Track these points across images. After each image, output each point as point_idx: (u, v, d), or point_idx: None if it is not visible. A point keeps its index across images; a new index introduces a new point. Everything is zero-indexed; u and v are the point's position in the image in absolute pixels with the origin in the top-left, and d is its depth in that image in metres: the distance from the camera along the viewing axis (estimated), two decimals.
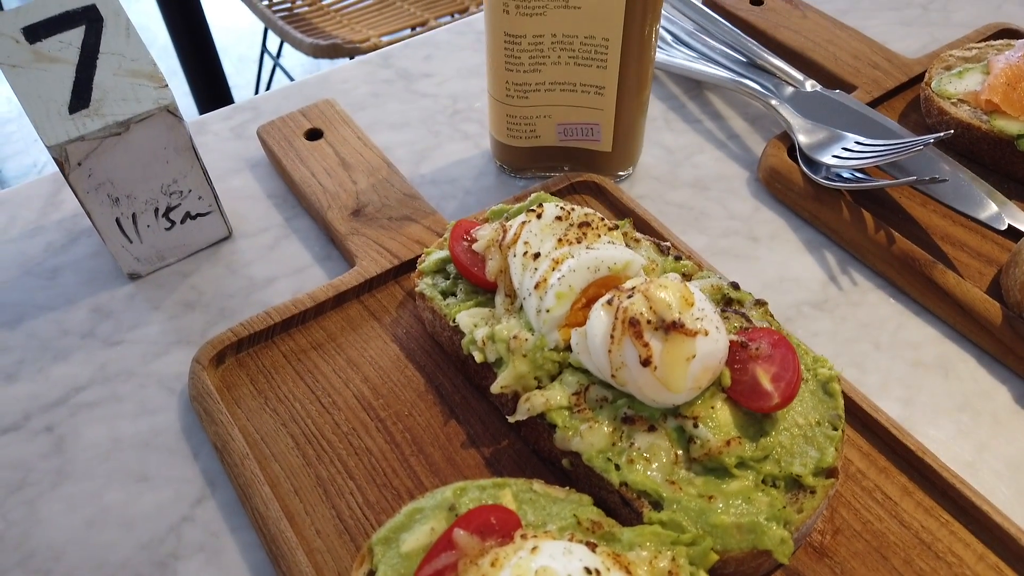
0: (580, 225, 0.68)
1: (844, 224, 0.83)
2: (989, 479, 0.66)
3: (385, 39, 2.73)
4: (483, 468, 0.65)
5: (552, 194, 0.86)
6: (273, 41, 3.45)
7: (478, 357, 0.65)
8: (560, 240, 0.67)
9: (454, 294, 0.71)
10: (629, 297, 0.60)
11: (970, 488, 0.61)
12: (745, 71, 1.00)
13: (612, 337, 0.59)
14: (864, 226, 0.81)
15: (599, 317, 0.61)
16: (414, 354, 0.72)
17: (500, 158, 0.92)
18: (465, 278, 0.71)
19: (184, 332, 0.77)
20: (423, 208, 0.84)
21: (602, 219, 0.69)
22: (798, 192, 0.86)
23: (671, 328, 0.58)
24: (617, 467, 0.59)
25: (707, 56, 1.04)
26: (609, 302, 0.61)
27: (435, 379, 0.71)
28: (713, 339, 0.59)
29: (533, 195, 0.77)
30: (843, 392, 0.67)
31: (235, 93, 3.39)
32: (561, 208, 0.69)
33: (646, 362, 0.57)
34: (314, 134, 0.92)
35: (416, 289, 0.71)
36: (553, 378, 0.64)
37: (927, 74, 0.94)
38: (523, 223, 0.68)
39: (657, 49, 1.03)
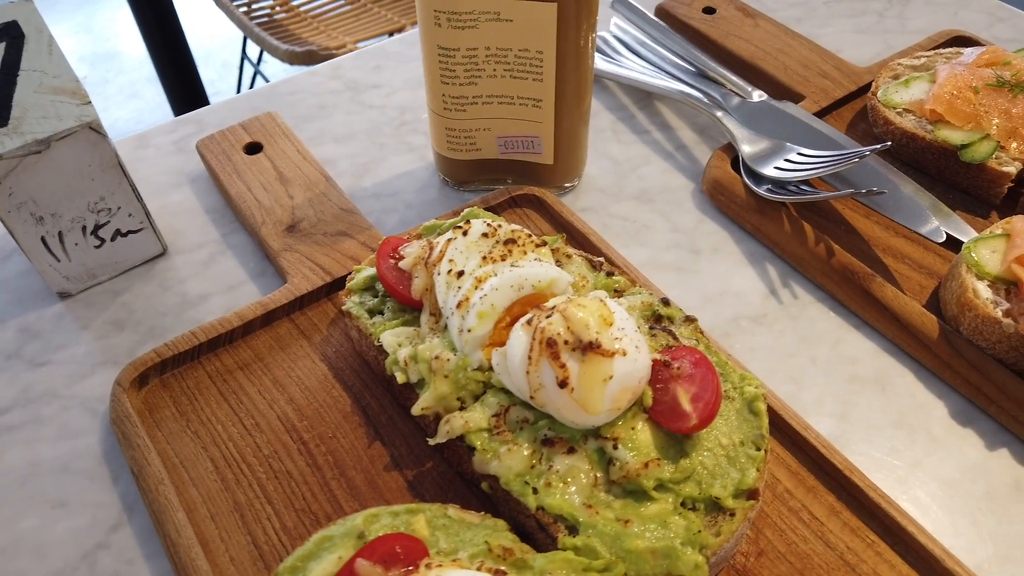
0: (506, 242, 0.66)
1: (785, 237, 0.82)
2: (922, 497, 0.65)
3: (361, 45, 2.72)
4: (405, 492, 0.64)
5: (492, 208, 0.85)
6: (254, 48, 3.43)
7: (400, 378, 0.64)
8: (485, 258, 0.65)
9: (383, 312, 0.70)
10: (548, 317, 0.58)
11: (896, 508, 0.60)
12: (695, 82, 0.99)
13: (530, 358, 0.58)
14: (805, 239, 0.80)
15: (518, 337, 0.59)
16: (342, 373, 0.71)
17: (443, 171, 0.91)
18: (392, 296, 0.69)
19: (112, 352, 0.75)
20: (359, 223, 0.82)
21: (529, 236, 0.68)
22: (740, 204, 0.85)
23: (588, 348, 0.56)
24: (535, 490, 0.57)
25: (658, 66, 1.03)
26: (528, 322, 0.60)
27: (362, 399, 0.69)
28: (632, 359, 0.57)
29: (465, 210, 0.76)
30: (773, 410, 0.67)
31: (216, 100, 3.38)
32: (488, 225, 0.68)
33: (563, 383, 0.56)
34: (254, 148, 0.90)
35: (343, 307, 0.70)
36: (477, 399, 0.63)
37: (874, 83, 0.93)
38: (449, 240, 0.67)
39: (607, 60, 1.03)
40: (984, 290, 0.70)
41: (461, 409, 0.63)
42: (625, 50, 1.07)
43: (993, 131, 0.84)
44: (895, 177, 0.87)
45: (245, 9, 2.96)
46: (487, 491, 0.61)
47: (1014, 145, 0.84)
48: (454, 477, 0.65)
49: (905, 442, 0.69)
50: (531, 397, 0.59)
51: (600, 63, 1.04)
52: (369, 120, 1.01)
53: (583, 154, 0.90)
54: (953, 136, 0.85)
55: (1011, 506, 0.64)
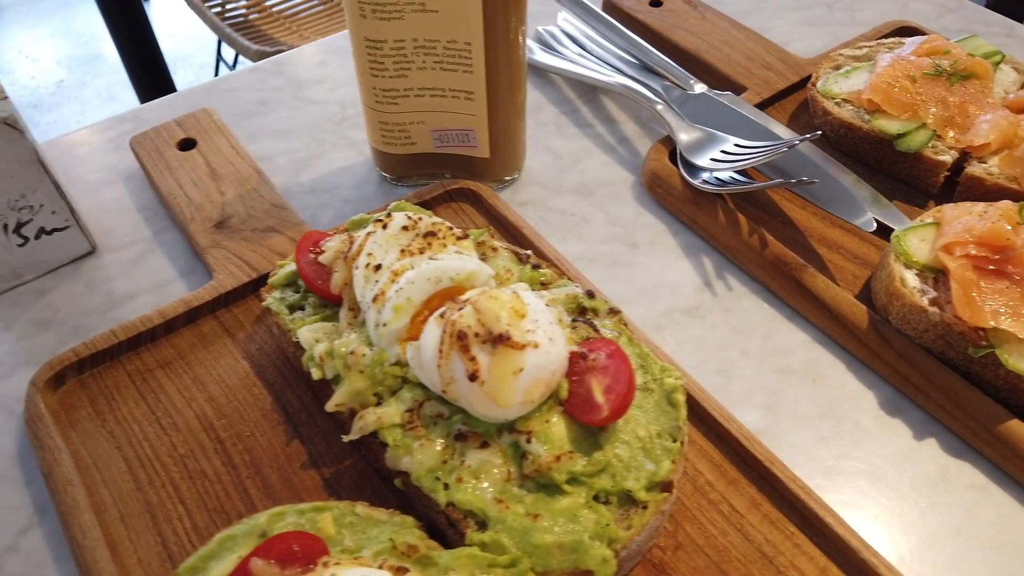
0: (426, 235, 0.65)
1: (720, 228, 0.81)
2: (847, 488, 0.64)
3: None
4: (321, 490, 0.62)
5: (425, 202, 0.84)
6: (230, 50, 3.41)
7: (315, 374, 0.63)
8: (403, 251, 0.64)
9: (304, 308, 0.69)
10: (460, 310, 0.58)
11: (816, 499, 0.60)
12: (638, 75, 0.98)
13: (441, 351, 0.57)
14: (739, 230, 0.80)
15: (431, 331, 0.58)
16: (264, 371, 0.70)
17: (380, 166, 0.90)
18: (312, 291, 0.68)
19: (33, 353, 0.74)
20: (290, 219, 0.81)
21: (451, 228, 0.67)
22: (677, 196, 0.85)
23: (498, 341, 0.56)
24: (446, 486, 0.56)
25: (603, 60, 1.02)
26: (441, 315, 0.59)
27: (283, 397, 0.68)
28: (544, 351, 0.57)
29: (392, 204, 0.75)
30: (697, 402, 0.66)
31: None
32: (409, 218, 0.67)
33: (473, 376, 0.55)
34: (188, 144, 0.89)
35: (263, 303, 0.69)
36: (395, 394, 0.62)
37: (814, 75, 0.93)
38: (368, 234, 0.66)
39: (552, 54, 1.02)
40: (912, 279, 0.70)
41: (378, 405, 0.62)
42: (572, 44, 1.07)
43: (930, 120, 0.84)
44: (833, 168, 0.86)
45: (219, 10, 2.94)
46: (401, 487, 0.60)
47: (951, 134, 0.83)
48: (372, 474, 0.63)
49: (833, 433, 0.68)
50: (443, 391, 0.58)
51: (545, 57, 1.04)
52: (310, 116, 1.00)
53: (521, 148, 0.89)
54: (890, 126, 0.84)
55: (936, 495, 0.64)
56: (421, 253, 0.64)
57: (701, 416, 0.66)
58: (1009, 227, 0.67)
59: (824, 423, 0.69)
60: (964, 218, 0.69)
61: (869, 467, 0.66)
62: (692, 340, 0.75)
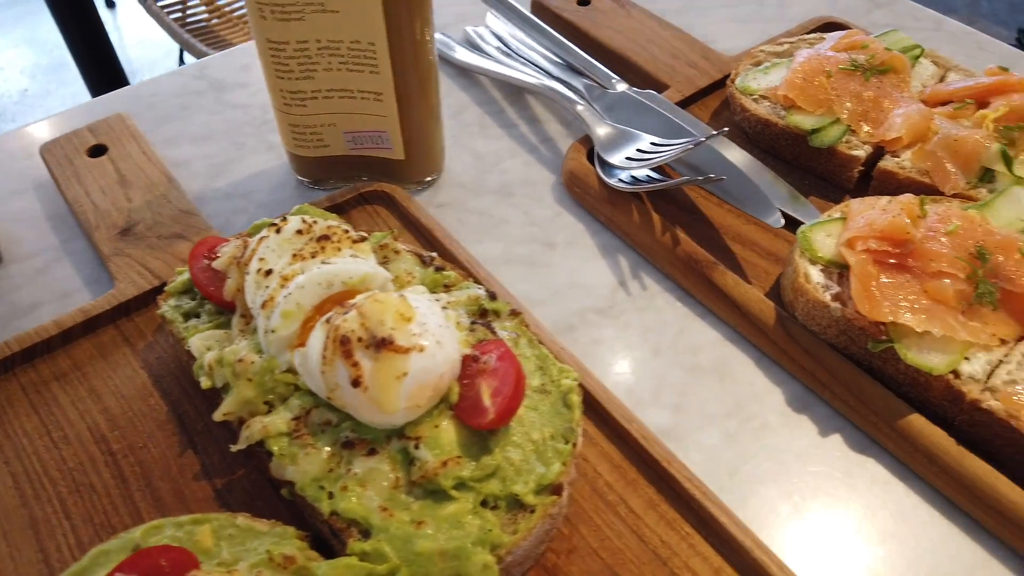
0: (319, 239, 0.64)
1: (635, 227, 0.80)
2: (748, 486, 0.64)
3: None
4: (211, 501, 0.61)
5: (338, 206, 0.83)
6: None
7: (204, 383, 0.62)
8: (295, 255, 0.63)
9: (200, 315, 0.68)
10: (345, 314, 0.56)
11: (711, 499, 0.59)
12: (563, 74, 0.98)
13: (324, 357, 0.56)
14: (653, 229, 0.79)
15: (316, 336, 0.57)
16: (163, 381, 0.69)
17: (297, 170, 0.89)
18: (207, 298, 0.67)
19: None
20: (197, 225, 0.80)
21: (347, 232, 0.66)
22: (594, 196, 0.84)
23: (381, 345, 0.54)
24: (330, 495, 0.55)
25: (530, 60, 1.02)
26: (328, 320, 0.58)
27: (180, 407, 0.67)
28: (430, 355, 0.56)
29: (295, 208, 0.73)
30: (600, 403, 0.65)
31: None
32: (304, 222, 0.65)
33: (356, 382, 0.54)
34: (98, 150, 0.87)
35: (158, 311, 0.68)
36: (286, 402, 0.61)
37: (734, 71, 0.92)
38: (261, 239, 0.65)
39: (479, 54, 1.01)
40: (816, 275, 0.69)
41: (269, 414, 0.60)
42: (500, 44, 1.06)
43: (844, 115, 0.84)
44: (751, 165, 0.86)
45: (179, 15, 2.91)
46: (288, 497, 0.58)
47: (865, 129, 0.83)
48: (265, 484, 0.62)
49: (739, 431, 0.67)
50: (329, 398, 0.57)
51: (470, 57, 1.03)
52: (230, 120, 0.98)
53: (439, 149, 0.88)
54: (804, 121, 0.84)
55: (837, 492, 0.63)
56: (313, 257, 0.63)
57: (603, 417, 0.65)
58: (909, 221, 0.67)
59: (731, 421, 0.68)
60: (867, 212, 0.69)
61: (773, 464, 0.65)
62: (604, 340, 0.74)
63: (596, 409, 0.65)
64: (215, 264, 0.67)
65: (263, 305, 0.61)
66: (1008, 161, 0.76)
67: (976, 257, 0.66)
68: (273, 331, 0.60)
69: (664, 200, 0.84)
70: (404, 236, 0.81)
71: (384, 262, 0.69)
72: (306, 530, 0.56)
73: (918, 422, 0.63)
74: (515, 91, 1.02)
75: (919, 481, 0.64)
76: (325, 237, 0.64)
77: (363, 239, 0.66)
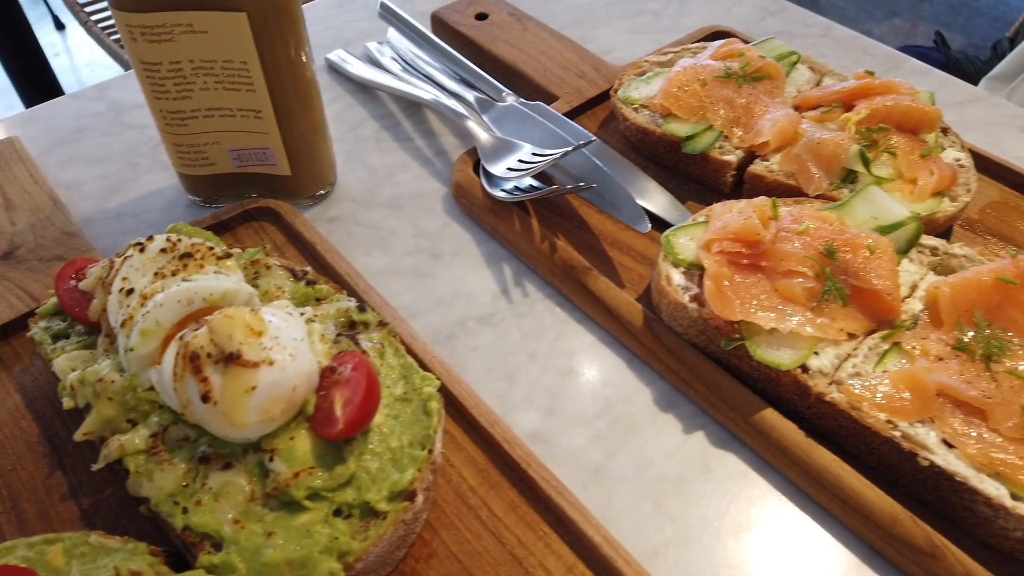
0: (182, 257, 0.65)
1: (517, 236, 0.82)
2: (612, 484, 0.66)
3: None
4: (76, 521, 0.61)
5: (223, 223, 0.84)
6: None
7: (67, 403, 0.62)
8: (156, 274, 0.64)
9: (69, 336, 0.68)
10: (196, 331, 0.57)
11: (566, 499, 0.61)
12: (457, 87, 0.99)
13: (176, 373, 0.56)
14: (533, 237, 0.81)
15: (169, 353, 0.58)
16: (36, 403, 0.69)
17: (187, 189, 0.89)
18: (74, 319, 0.67)
19: None
20: (79, 246, 0.80)
21: (211, 249, 0.66)
22: (479, 206, 0.86)
23: (230, 360, 0.55)
24: (185, 510, 0.56)
25: (427, 75, 1.03)
26: (181, 337, 0.58)
27: (51, 428, 0.67)
28: (280, 368, 0.57)
29: (170, 227, 0.74)
30: (466, 408, 0.67)
31: None
32: (168, 240, 0.66)
33: (205, 397, 0.55)
34: None
35: (28, 334, 0.68)
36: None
37: (617, 81, 0.95)
38: (125, 258, 0.65)
39: (377, 70, 1.03)
40: (678, 277, 0.72)
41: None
42: (400, 60, 1.08)
43: (718, 122, 0.87)
44: (631, 172, 0.88)
45: (117, 38, 2.89)
46: (147, 514, 0.59)
47: (737, 134, 0.86)
48: (132, 503, 0.62)
49: (607, 431, 0.69)
50: (183, 413, 0.58)
51: (367, 73, 1.04)
52: (126, 141, 0.99)
53: (327, 163, 0.90)
54: (679, 129, 0.87)
55: (698, 487, 0.66)
56: (174, 275, 0.64)
57: (470, 422, 0.67)
58: (760, 223, 0.69)
59: (600, 422, 0.70)
60: (724, 215, 0.72)
61: (638, 462, 0.67)
62: (482, 347, 0.76)
63: (463, 415, 0.67)
64: (81, 285, 0.67)
65: (123, 324, 0.62)
66: (866, 162, 0.79)
67: (825, 255, 0.68)
68: (132, 349, 0.61)
69: (548, 209, 0.86)
70: (289, 251, 0.82)
71: (255, 277, 0.70)
72: (168, 546, 0.57)
73: (771, 416, 0.65)
74: (413, 105, 1.04)
75: (775, 473, 0.66)
76: (188, 255, 0.65)
77: (228, 255, 0.67)
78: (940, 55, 2.06)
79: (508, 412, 0.70)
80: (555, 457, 0.67)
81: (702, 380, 0.69)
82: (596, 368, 0.74)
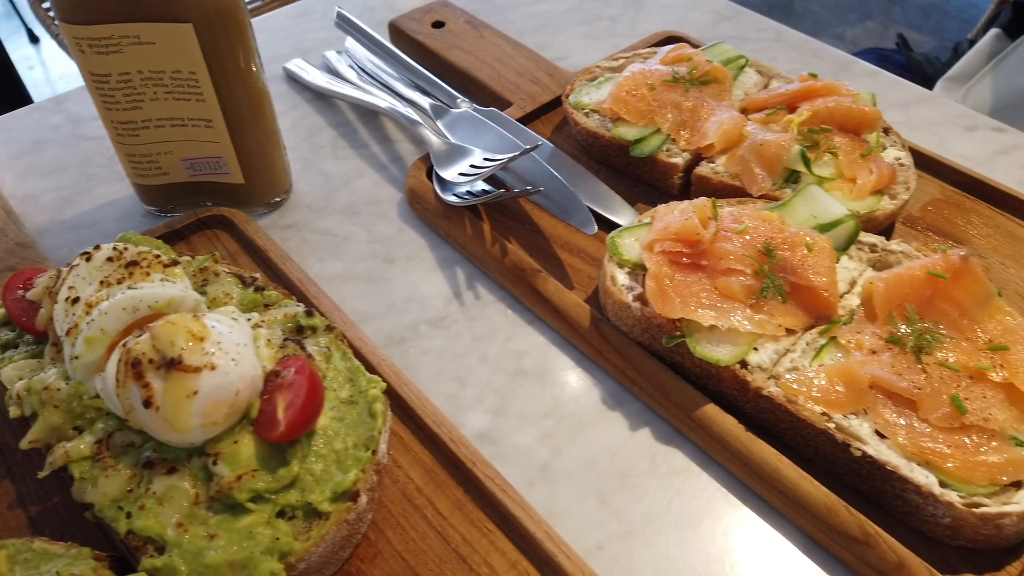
0: (128, 265, 0.66)
1: (468, 239, 0.83)
2: (558, 481, 0.67)
3: None
4: (24, 528, 0.62)
5: (177, 231, 0.84)
6: None
7: (13, 412, 0.62)
8: (102, 282, 0.65)
9: (18, 346, 0.68)
10: (138, 337, 0.58)
11: (510, 496, 0.62)
12: (413, 95, 1.00)
13: (118, 380, 0.57)
14: (484, 240, 0.82)
15: (112, 359, 0.59)
16: None
17: (143, 199, 0.90)
18: (22, 329, 0.68)
19: None
20: (31, 257, 0.80)
21: (157, 257, 0.67)
22: (433, 211, 0.87)
23: (171, 365, 0.56)
24: (129, 515, 0.57)
25: (384, 83, 1.05)
26: (125, 344, 0.59)
27: (1, 437, 0.67)
28: (223, 372, 0.57)
29: (119, 236, 0.75)
30: (412, 409, 0.68)
31: None
32: (115, 249, 0.67)
33: (147, 402, 0.56)
34: None
35: None
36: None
37: (569, 87, 0.96)
38: (72, 267, 0.66)
39: (334, 79, 1.04)
40: (622, 277, 0.73)
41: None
42: (357, 68, 1.09)
43: (666, 125, 0.88)
44: (582, 176, 0.90)
45: None
46: (92, 520, 0.59)
47: (684, 137, 0.88)
48: (79, 509, 0.63)
49: (555, 429, 0.70)
50: (126, 419, 0.58)
51: (325, 81, 1.05)
52: (83, 152, 0.99)
53: (281, 171, 0.90)
54: (628, 132, 0.88)
55: (642, 483, 0.67)
56: (120, 283, 0.64)
57: (417, 423, 0.67)
58: (700, 223, 0.71)
59: (548, 420, 0.71)
60: (667, 216, 0.73)
61: (584, 460, 0.68)
62: (434, 350, 0.77)
63: (411, 416, 0.68)
64: (29, 295, 0.68)
65: (68, 332, 0.62)
66: (807, 162, 0.81)
67: (763, 253, 0.70)
68: (77, 357, 0.61)
69: (500, 213, 0.87)
70: (243, 259, 0.83)
71: (204, 284, 0.71)
72: (114, 552, 0.58)
73: (712, 411, 0.67)
74: (369, 113, 1.05)
75: (717, 467, 0.67)
76: (134, 263, 0.66)
77: (175, 263, 0.68)
78: (902, 57, 2.09)
79: (458, 413, 0.71)
80: (503, 456, 0.68)
81: (647, 378, 0.70)
82: (545, 368, 0.75)
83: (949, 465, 0.59)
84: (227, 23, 0.75)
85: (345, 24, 1.07)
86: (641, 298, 0.71)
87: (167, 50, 0.75)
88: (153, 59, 0.76)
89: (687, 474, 0.67)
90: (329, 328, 0.68)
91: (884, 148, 0.87)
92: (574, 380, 0.74)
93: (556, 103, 1.01)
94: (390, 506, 0.63)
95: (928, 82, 1.78)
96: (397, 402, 0.69)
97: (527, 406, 0.72)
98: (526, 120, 0.98)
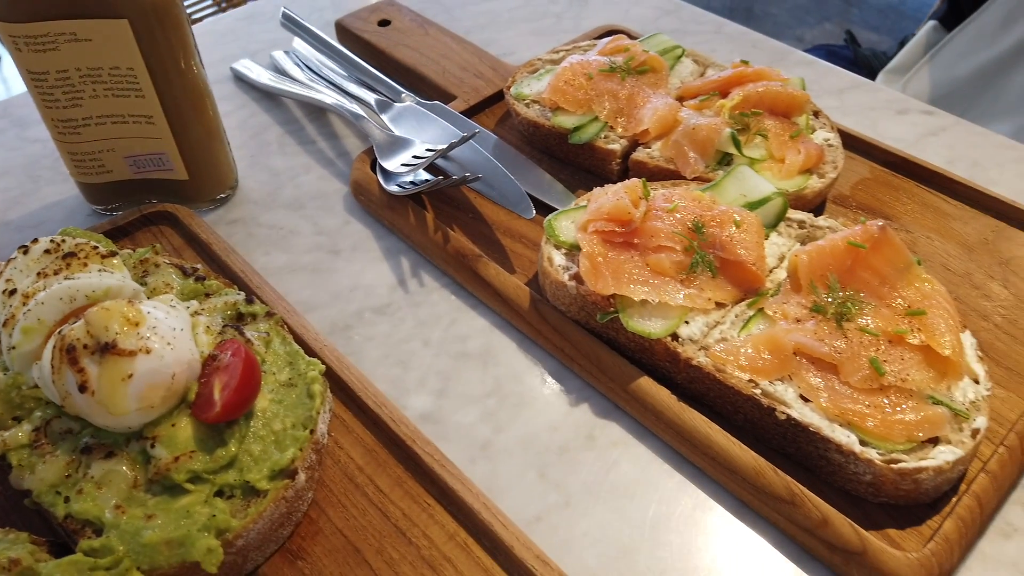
0: (65, 256, 0.66)
1: (412, 228, 0.85)
2: (499, 457, 0.68)
3: None
4: None
5: (121, 228, 0.85)
6: None
7: None
8: (39, 274, 0.65)
9: None
10: (73, 324, 0.59)
11: (448, 470, 0.63)
12: (360, 91, 1.02)
13: (53, 366, 0.58)
14: (427, 228, 0.84)
15: (48, 347, 0.59)
16: None
17: (87, 198, 0.90)
18: None
19: None
20: None
21: (95, 248, 0.68)
22: (376, 202, 0.88)
23: (106, 350, 0.57)
24: (67, 500, 0.57)
25: (331, 81, 1.06)
26: (60, 331, 0.60)
27: None
28: (158, 356, 0.58)
29: (60, 231, 0.75)
30: (354, 391, 0.69)
31: None
32: (52, 241, 0.67)
33: (83, 387, 0.56)
34: None
35: None
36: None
37: (511, 79, 0.98)
38: (9, 260, 0.66)
39: (280, 78, 1.05)
40: (559, 258, 0.75)
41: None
42: (304, 67, 1.10)
43: (603, 113, 0.90)
44: (525, 165, 0.92)
45: None
46: (32, 507, 0.60)
47: (621, 125, 0.90)
48: (20, 496, 0.63)
49: (496, 408, 0.72)
50: (63, 405, 0.59)
51: (272, 80, 1.06)
52: (29, 155, 0.99)
53: (226, 167, 0.91)
54: (566, 121, 0.90)
55: (581, 456, 0.68)
56: (57, 274, 0.65)
57: (359, 405, 0.69)
58: (631, 203, 0.73)
59: (490, 400, 0.73)
60: (600, 198, 0.75)
61: (525, 436, 0.70)
62: (378, 336, 0.78)
63: (353, 398, 0.69)
64: None
65: (4, 323, 0.63)
66: (738, 144, 0.83)
67: (693, 231, 0.72)
68: (14, 347, 0.62)
69: (443, 202, 0.89)
70: (187, 253, 0.83)
71: (144, 275, 0.72)
72: (54, 538, 0.58)
73: (647, 384, 0.69)
74: (317, 111, 1.06)
75: (653, 438, 0.69)
76: (71, 254, 0.66)
77: (113, 254, 0.68)
78: (850, 52, 2.14)
79: (401, 396, 0.73)
80: (446, 435, 0.69)
81: (584, 354, 0.72)
82: (488, 350, 0.77)
83: (869, 424, 0.61)
84: (162, 18, 0.76)
85: (290, 24, 1.08)
86: (577, 277, 0.73)
87: (104, 46, 0.76)
88: (91, 56, 0.76)
89: (624, 446, 0.69)
90: (269, 315, 0.69)
91: (814, 130, 0.89)
92: (515, 360, 0.76)
93: (500, 96, 1.03)
94: (331, 486, 0.64)
95: (874, 75, 1.82)
96: (339, 385, 0.70)
97: (469, 387, 0.74)
98: (470, 113, 1.00)
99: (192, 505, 0.57)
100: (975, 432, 0.61)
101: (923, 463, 0.59)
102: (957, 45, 1.54)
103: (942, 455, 0.60)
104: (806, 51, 1.20)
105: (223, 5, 2.10)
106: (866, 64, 2.00)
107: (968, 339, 0.68)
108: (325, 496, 0.64)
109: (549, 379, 0.74)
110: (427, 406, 0.72)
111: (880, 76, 1.66)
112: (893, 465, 0.59)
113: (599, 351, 0.71)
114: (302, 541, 0.61)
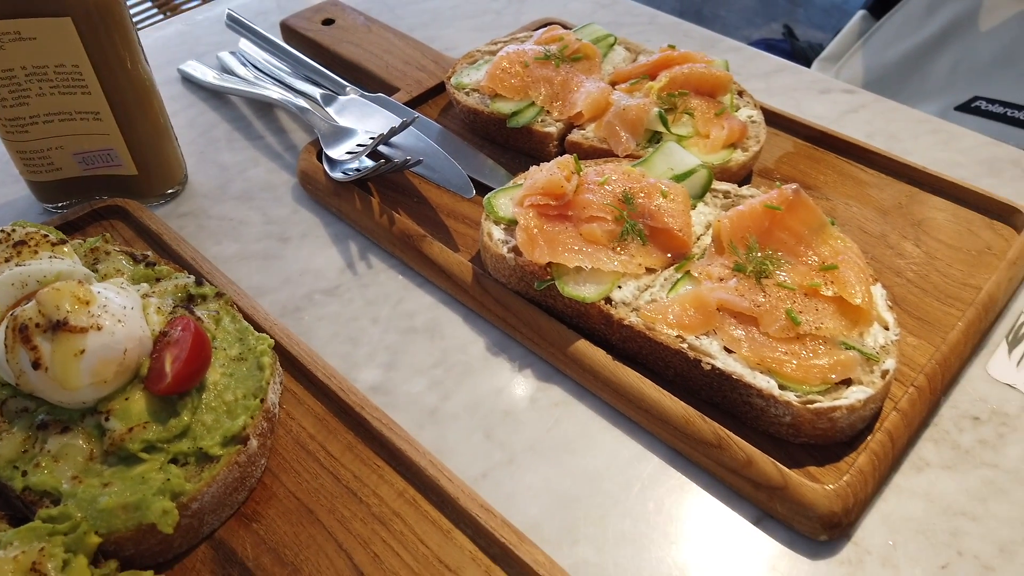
0: (15, 244, 0.68)
1: (358, 213, 0.88)
2: (446, 422, 0.71)
3: None
4: None
5: (73, 222, 0.87)
6: None
7: None
8: None
9: None
10: (25, 305, 0.61)
11: (397, 434, 0.66)
12: (305, 86, 1.05)
13: (7, 346, 0.60)
14: (372, 213, 0.87)
15: (1, 329, 0.61)
16: None
17: (38, 196, 0.92)
18: None
19: None
20: None
21: (45, 236, 0.70)
22: (323, 190, 0.91)
23: (58, 327, 0.59)
24: (24, 473, 0.59)
25: (278, 78, 1.09)
26: (13, 313, 0.62)
27: None
28: (109, 332, 0.61)
29: (11, 224, 0.77)
30: (304, 365, 0.72)
31: None
32: (2, 231, 0.69)
33: (36, 364, 0.59)
34: None
35: None
36: None
37: (451, 69, 1.02)
38: None
39: (227, 77, 1.07)
40: (498, 233, 0.79)
41: None
42: (250, 66, 1.12)
43: (539, 99, 0.95)
44: (467, 150, 0.95)
45: None
46: None
47: (557, 108, 0.94)
48: None
49: (443, 377, 0.75)
50: (18, 384, 0.61)
51: (218, 79, 1.09)
52: None
53: (175, 163, 0.93)
54: (505, 107, 0.94)
55: (523, 416, 0.72)
56: (7, 262, 0.67)
57: (309, 377, 0.71)
58: (564, 177, 0.77)
59: (437, 370, 0.76)
60: (535, 175, 0.79)
61: (471, 401, 0.73)
62: (328, 316, 0.81)
63: (303, 372, 0.72)
64: None
65: None
66: (665, 122, 0.88)
67: (623, 202, 0.76)
68: None
69: (389, 188, 0.92)
70: (138, 245, 0.86)
71: (95, 263, 0.74)
72: (11, 512, 0.60)
73: (583, 346, 0.72)
74: (264, 107, 1.09)
75: (592, 397, 0.73)
76: (22, 243, 0.69)
77: (63, 242, 0.71)
78: (787, 45, 2.23)
79: (352, 370, 0.76)
80: (395, 405, 0.73)
81: (525, 323, 0.76)
82: (434, 325, 0.80)
83: (787, 369, 0.66)
84: (105, 16, 0.78)
85: (235, 24, 1.11)
86: (515, 249, 0.76)
87: (48, 44, 0.78)
88: (35, 54, 0.78)
89: (565, 406, 0.73)
90: (219, 295, 0.72)
91: (738, 108, 0.95)
92: (461, 333, 0.79)
93: (442, 88, 1.06)
94: (284, 454, 0.67)
95: (810, 65, 1.90)
96: (289, 361, 0.73)
97: (417, 359, 0.77)
98: (413, 104, 1.03)
99: (147, 472, 0.59)
100: (884, 373, 0.66)
101: (837, 402, 0.64)
102: (885, 32, 1.61)
103: (854, 394, 0.64)
104: (748, 44, 1.26)
105: (168, 15, 2.11)
106: (802, 55, 2.08)
107: (879, 290, 0.73)
108: (278, 463, 0.66)
109: (493, 348, 0.78)
110: (377, 379, 0.75)
111: (815, 64, 1.73)
112: (810, 406, 0.64)
113: (538, 318, 0.75)
114: (256, 505, 0.64)
